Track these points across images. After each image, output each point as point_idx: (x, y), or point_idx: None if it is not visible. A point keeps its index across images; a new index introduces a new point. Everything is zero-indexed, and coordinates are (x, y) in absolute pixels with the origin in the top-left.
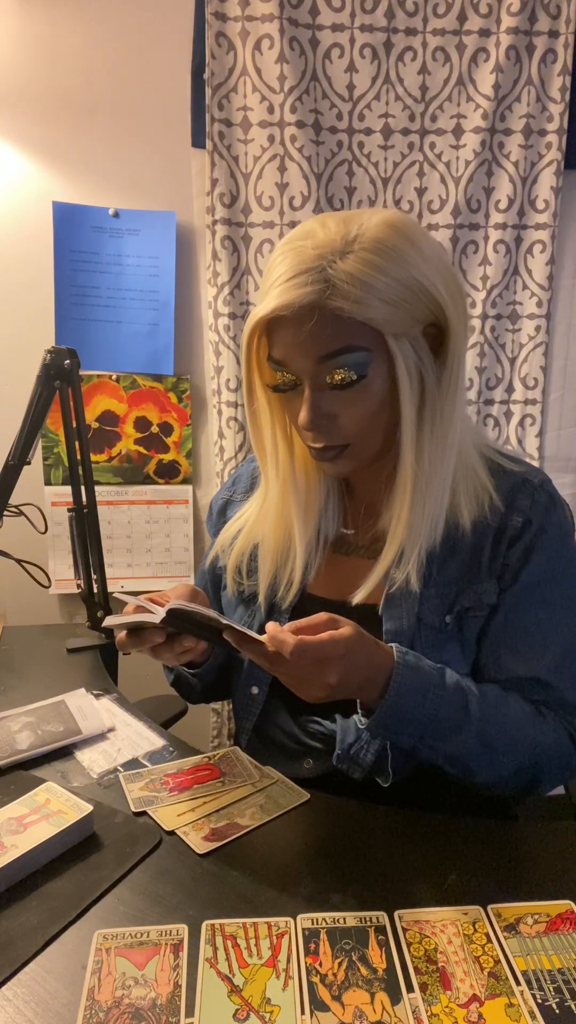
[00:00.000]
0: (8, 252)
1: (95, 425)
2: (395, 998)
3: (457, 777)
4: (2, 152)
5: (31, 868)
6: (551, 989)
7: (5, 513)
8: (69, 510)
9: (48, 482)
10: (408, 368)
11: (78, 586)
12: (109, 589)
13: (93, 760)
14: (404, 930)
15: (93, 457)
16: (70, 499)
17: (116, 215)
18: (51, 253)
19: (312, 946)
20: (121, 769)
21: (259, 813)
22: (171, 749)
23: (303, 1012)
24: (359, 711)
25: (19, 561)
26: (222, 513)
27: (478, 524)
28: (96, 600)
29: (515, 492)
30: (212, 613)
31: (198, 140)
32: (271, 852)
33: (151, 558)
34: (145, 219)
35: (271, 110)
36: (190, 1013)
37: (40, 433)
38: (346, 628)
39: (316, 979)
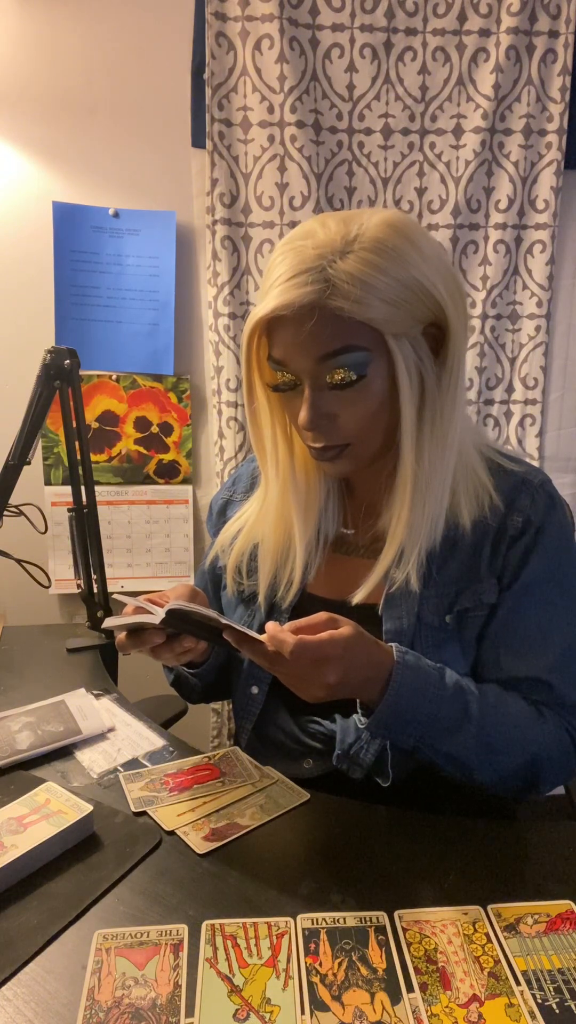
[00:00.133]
0: (8, 252)
1: (95, 425)
2: (395, 998)
3: (457, 777)
4: (2, 152)
5: (31, 868)
6: (551, 989)
7: (5, 513)
8: (69, 510)
9: (48, 482)
10: (408, 368)
11: (78, 586)
12: (109, 589)
13: (93, 760)
14: (404, 930)
15: (93, 457)
16: (70, 499)
17: (116, 215)
18: (51, 253)
19: (312, 946)
20: (121, 769)
21: (259, 813)
22: (171, 749)
23: (303, 1012)
24: (359, 711)
25: (19, 561)
26: (222, 513)
27: (478, 524)
28: (96, 600)
29: (515, 492)
30: (212, 613)
31: (198, 140)
32: (271, 852)
33: (151, 558)
34: (145, 219)
35: (271, 110)
36: (190, 1013)
37: (40, 433)
38: (346, 628)
39: (316, 979)
